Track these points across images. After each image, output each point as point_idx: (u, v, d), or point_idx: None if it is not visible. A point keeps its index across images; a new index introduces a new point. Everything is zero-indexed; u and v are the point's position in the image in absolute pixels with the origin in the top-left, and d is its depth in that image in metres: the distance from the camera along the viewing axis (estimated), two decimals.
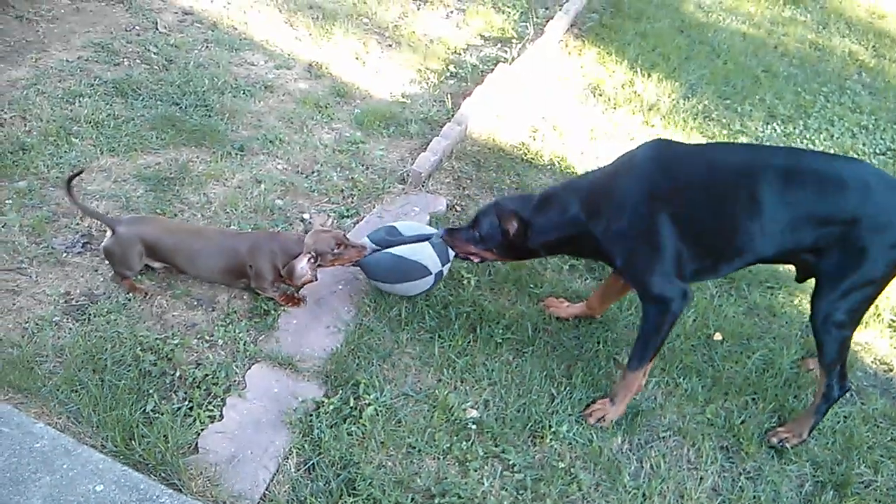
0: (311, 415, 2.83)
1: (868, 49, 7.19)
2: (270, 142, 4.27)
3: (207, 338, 3.08)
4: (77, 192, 3.26)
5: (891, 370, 3.58)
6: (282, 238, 3.23)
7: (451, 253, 3.26)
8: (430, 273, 3.25)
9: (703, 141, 5.02)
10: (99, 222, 3.40)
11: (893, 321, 3.73)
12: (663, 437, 3.03)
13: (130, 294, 3.19)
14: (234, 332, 3.11)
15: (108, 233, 3.15)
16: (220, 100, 4.51)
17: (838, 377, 2.99)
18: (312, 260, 3.11)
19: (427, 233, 3.34)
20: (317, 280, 3.18)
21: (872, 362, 3.60)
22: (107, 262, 3.24)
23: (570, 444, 2.93)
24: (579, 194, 2.98)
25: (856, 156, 5.26)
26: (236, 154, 4.12)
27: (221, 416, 2.78)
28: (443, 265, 3.29)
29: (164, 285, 3.27)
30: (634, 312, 3.51)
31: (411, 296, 3.36)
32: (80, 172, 3.48)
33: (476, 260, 3.20)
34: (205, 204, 3.72)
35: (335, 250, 3.15)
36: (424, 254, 3.24)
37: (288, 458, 2.69)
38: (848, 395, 3.38)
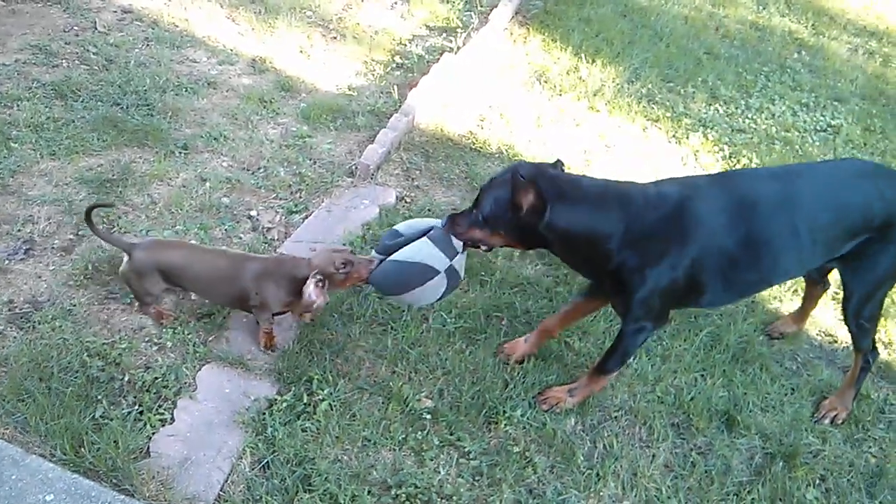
0: (263, 413, 2.82)
1: (807, 28, 7.32)
2: (215, 139, 4.22)
3: (156, 340, 3.04)
4: (96, 220, 3.13)
5: (835, 341, 3.67)
6: (290, 262, 3.02)
7: (459, 243, 2.85)
8: (438, 272, 2.82)
9: (648, 125, 5.09)
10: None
11: (836, 293, 3.81)
12: (615, 417, 3.08)
13: (151, 316, 3.11)
14: (183, 333, 3.07)
15: (125, 258, 2.99)
16: (162, 98, 4.44)
17: (871, 349, 3.19)
18: (321, 283, 2.86)
19: (427, 226, 2.94)
20: (327, 303, 2.95)
21: (817, 334, 3.69)
22: (126, 287, 3.12)
23: (525, 428, 2.96)
24: (627, 213, 2.69)
25: (796, 132, 5.37)
26: (180, 153, 4.06)
27: (173, 419, 2.76)
28: (451, 259, 2.83)
29: (110, 289, 3.22)
30: None
31: (432, 303, 3.05)
32: (106, 205, 3.42)
33: (484, 248, 2.89)
34: (149, 205, 3.67)
35: (342, 269, 2.89)
36: (424, 252, 2.83)
37: (242, 458, 2.68)
38: (794, 367, 3.48)
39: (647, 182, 2.88)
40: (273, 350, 3.09)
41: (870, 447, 3.18)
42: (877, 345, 3.23)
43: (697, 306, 3.08)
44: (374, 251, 3.02)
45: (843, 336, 3.65)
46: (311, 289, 2.83)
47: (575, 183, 2.77)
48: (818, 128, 5.53)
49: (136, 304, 3.13)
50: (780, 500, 2.89)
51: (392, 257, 2.88)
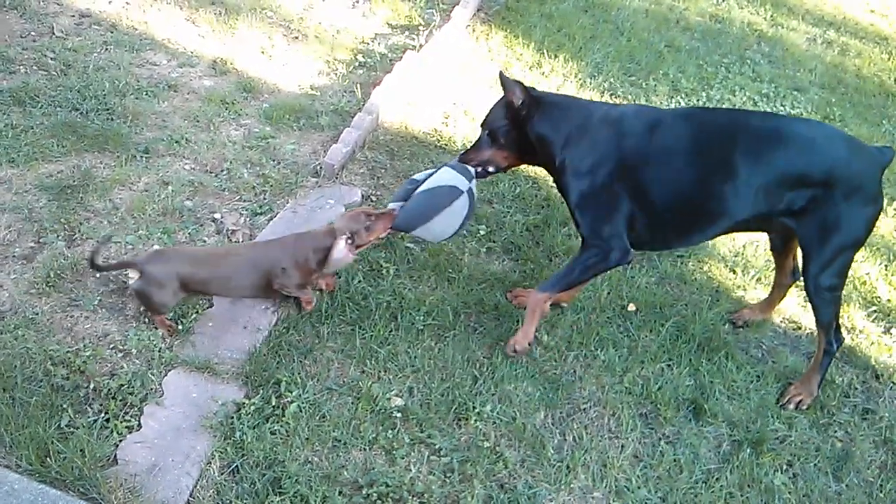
0: (232, 417, 2.80)
1: (766, 19, 7.41)
2: (176, 142, 4.17)
3: (121, 347, 3.01)
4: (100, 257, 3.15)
5: (799, 328, 3.72)
6: (311, 236, 3.21)
7: (472, 170, 3.24)
8: (462, 191, 3.15)
9: None
10: None
11: (798, 282, 3.86)
12: (584, 409, 3.10)
13: (157, 323, 3.10)
14: (148, 339, 3.04)
15: (136, 275, 2.98)
16: (121, 102, 4.39)
17: (835, 332, 3.20)
18: (350, 241, 3.08)
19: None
20: (353, 260, 3.19)
21: (781, 321, 3.73)
22: (139, 303, 3.12)
23: (495, 423, 2.97)
24: (581, 122, 3.08)
25: None
26: (141, 157, 4.02)
27: (140, 426, 2.73)
28: (469, 181, 3.20)
29: (73, 296, 3.18)
30: None
31: (455, 232, 3.25)
32: (109, 239, 3.37)
33: (491, 169, 3.28)
34: (111, 210, 3.63)
35: (367, 223, 3.10)
36: (446, 177, 3.18)
37: (211, 463, 2.66)
38: (760, 354, 3.53)
39: (615, 104, 3.28)
40: (310, 306, 3.27)
41: (835, 431, 3.23)
42: (841, 330, 3.26)
43: (640, 245, 3.18)
44: (390, 203, 3.30)
45: (808, 323, 3.71)
46: (340, 245, 3.04)
47: (556, 95, 3.33)
48: None
49: (150, 315, 3.12)
50: (749, 486, 2.93)
51: (419, 190, 3.17)
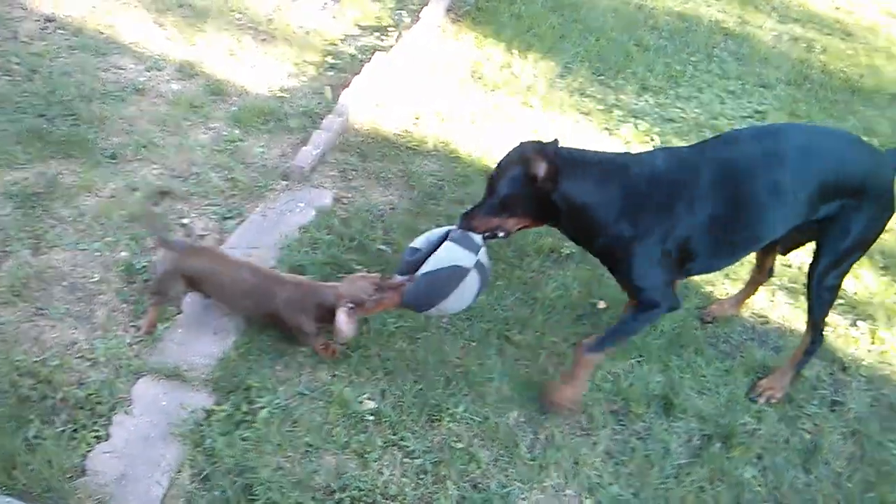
0: (201, 424, 2.79)
1: (733, 17, 7.46)
2: (144, 147, 4.14)
3: (88, 356, 2.99)
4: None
5: (767, 322, 3.75)
6: (319, 291, 3.05)
7: (478, 238, 2.88)
8: (469, 269, 2.83)
9: (580, 118, 5.15)
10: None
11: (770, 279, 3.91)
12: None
13: (150, 308, 3.14)
14: (117, 347, 3.02)
15: (161, 252, 3.08)
16: (88, 107, 4.34)
17: (820, 332, 3.24)
18: (352, 311, 2.92)
19: (442, 233, 2.94)
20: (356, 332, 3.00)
21: (749, 316, 3.76)
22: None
23: (468, 423, 2.98)
24: (625, 186, 2.80)
25: (725, 119, 5.48)
26: (108, 162, 3.98)
27: (108, 436, 2.71)
28: (476, 254, 2.86)
29: (39, 305, 3.15)
30: (522, 287, 3.58)
31: (472, 302, 3.01)
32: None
33: (502, 235, 2.91)
34: (77, 217, 3.60)
35: (373, 296, 2.93)
36: (449, 255, 2.85)
37: (181, 471, 2.65)
38: (728, 349, 3.56)
39: (638, 153, 3.01)
40: (336, 355, 3.15)
41: (804, 424, 3.26)
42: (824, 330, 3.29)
43: (687, 275, 3.14)
44: (396, 275, 2.98)
45: (775, 317, 3.75)
46: (342, 317, 2.88)
47: (580, 153, 2.87)
48: (745, 114, 5.64)
49: (149, 292, 3.19)
50: (719, 480, 2.96)
51: (420, 272, 2.86)
